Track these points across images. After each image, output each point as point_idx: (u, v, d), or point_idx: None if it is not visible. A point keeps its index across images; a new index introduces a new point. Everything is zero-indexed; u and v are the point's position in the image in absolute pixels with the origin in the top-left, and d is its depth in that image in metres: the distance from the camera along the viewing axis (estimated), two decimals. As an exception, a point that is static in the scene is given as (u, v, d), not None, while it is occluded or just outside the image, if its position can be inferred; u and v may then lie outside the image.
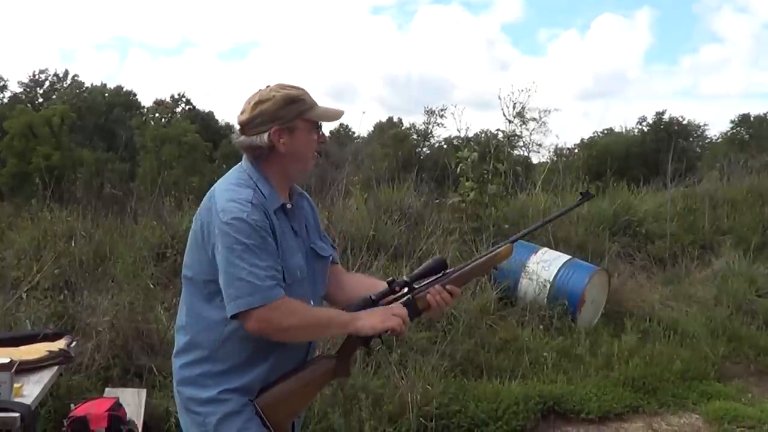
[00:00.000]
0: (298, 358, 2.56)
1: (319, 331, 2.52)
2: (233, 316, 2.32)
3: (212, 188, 2.52)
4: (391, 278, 2.64)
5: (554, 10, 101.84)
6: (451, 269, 2.66)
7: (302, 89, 2.51)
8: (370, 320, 2.48)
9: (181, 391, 2.51)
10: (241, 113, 2.50)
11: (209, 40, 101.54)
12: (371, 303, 2.56)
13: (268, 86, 2.51)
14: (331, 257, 2.72)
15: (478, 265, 2.74)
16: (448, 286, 2.62)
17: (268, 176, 2.49)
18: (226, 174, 2.57)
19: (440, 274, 2.64)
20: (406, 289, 2.62)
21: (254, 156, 2.50)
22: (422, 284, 2.64)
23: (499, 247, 2.76)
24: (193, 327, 2.48)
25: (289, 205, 2.54)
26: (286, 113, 2.44)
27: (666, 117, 49.95)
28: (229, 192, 2.43)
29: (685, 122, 50.14)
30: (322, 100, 2.51)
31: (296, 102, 2.46)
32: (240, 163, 2.56)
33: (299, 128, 2.47)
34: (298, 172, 2.59)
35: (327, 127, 2.64)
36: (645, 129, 49.57)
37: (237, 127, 2.53)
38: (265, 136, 2.43)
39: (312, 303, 2.53)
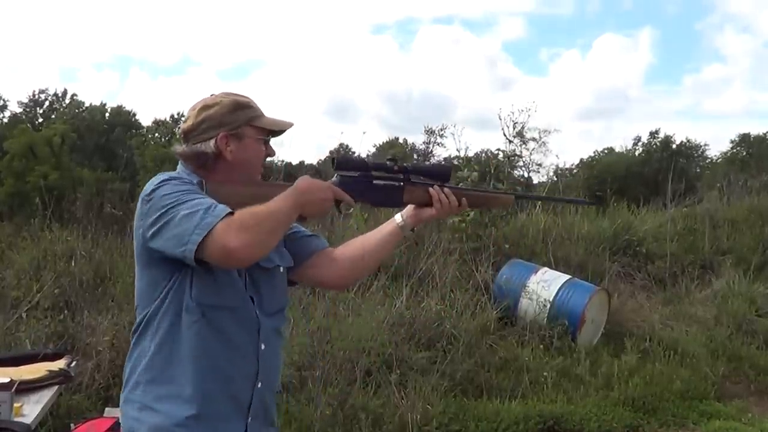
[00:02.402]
0: (244, 365, 2.26)
1: (278, 226, 2.13)
2: (197, 260, 2.03)
3: None
4: (392, 157, 2.48)
5: (556, 30, 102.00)
6: (450, 184, 2.50)
7: (249, 97, 2.36)
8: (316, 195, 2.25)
9: (123, 408, 2.28)
10: (185, 121, 2.32)
11: (210, 59, 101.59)
12: (365, 166, 2.42)
13: (212, 94, 2.34)
14: (279, 267, 2.40)
15: (478, 195, 2.61)
16: (448, 190, 2.46)
17: None
18: None
19: (440, 183, 2.47)
20: (401, 176, 2.45)
21: (197, 165, 2.29)
22: (419, 180, 2.48)
23: (502, 192, 2.67)
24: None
25: None
26: (234, 119, 2.27)
27: (661, 135, 49.90)
28: None
29: (686, 142, 50.10)
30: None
31: (244, 108, 2.30)
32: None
33: (248, 135, 2.29)
34: None
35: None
36: (650, 149, 49.50)
37: (180, 137, 2.34)
38: (212, 142, 2.25)
39: (257, 315, 2.28)
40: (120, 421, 2.30)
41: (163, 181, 2.16)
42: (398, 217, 2.51)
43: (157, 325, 2.22)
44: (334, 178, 2.41)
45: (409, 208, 2.50)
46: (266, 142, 2.37)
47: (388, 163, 2.45)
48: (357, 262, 2.52)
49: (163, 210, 2.07)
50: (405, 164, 2.46)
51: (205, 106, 2.29)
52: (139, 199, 2.18)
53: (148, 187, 2.16)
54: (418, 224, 2.53)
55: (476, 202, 2.63)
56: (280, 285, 2.43)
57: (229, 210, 2.04)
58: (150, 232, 2.11)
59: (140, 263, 2.27)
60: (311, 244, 2.52)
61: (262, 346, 2.29)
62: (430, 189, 2.45)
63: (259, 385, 2.29)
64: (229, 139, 2.26)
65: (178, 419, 2.15)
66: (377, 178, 2.45)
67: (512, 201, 2.71)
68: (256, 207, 2.07)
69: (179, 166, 2.35)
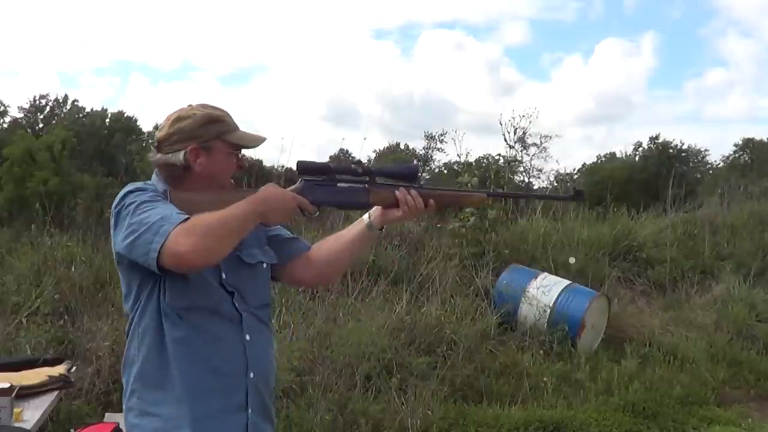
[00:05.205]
0: (231, 357, 2.31)
1: (230, 233, 2.16)
2: (160, 267, 2.09)
3: None
4: (358, 160, 2.55)
5: (558, 35, 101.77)
6: (421, 185, 2.53)
7: (224, 111, 2.41)
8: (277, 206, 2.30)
9: (125, 415, 2.33)
10: (160, 130, 2.39)
11: (211, 65, 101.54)
12: (328, 169, 2.47)
13: (189, 105, 2.40)
14: (263, 263, 2.47)
15: (448, 194, 2.64)
16: (414, 192, 2.47)
17: None
18: None
19: (406, 185, 2.50)
20: (366, 178, 2.48)
21: (168, 175, 2.35)
22: (386, 183, 2.52)
23: (474, 191, 2.70)
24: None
25: None
26: (205, 132, 2.33)
27: (660, 140, 49.92)
28: None
29: (685, 147, 50.15)
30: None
31: (216, 122, 2.36)
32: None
33: (217, 149, 2.35)
34: None
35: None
36: (645, 154, 49.53)
37: (154, 145, 2.40)
38: (181, 154, 2.31)
39: (236, 308, 2.33)
40: (122, 428, 2.34)
41: (127, 192, 2.25)
42: (366, 217, 2.56)
43: (142, 332, 2.29)
44: (298, 183, 2.46)
45: (377, 208, 2.53)
46: (238, 156, 2.42)
47: (352, 165, 2.50)
48: (331, 262, 2.61)
49: (127, 220, 2.17)
50: (370, 167, 2.51)
51: (179, 118, 2.36)
52: (112, 213, 2.26)
53: (116, 199, 2.25)
54: (385, 225, 2.56)
55: (446, 202, 2.65)
56: (263, 280, 2.50)
57: (185, 217, 2.12)
58: (118, 242, 2.20)
59: (119, 272, 2.34)
60: (292, 246, 2.61)
61: (247, 337, 2.34)
62: (396, 191, 2.47)
63: (252, 376, 2.34)
64: (199, 151, 2.33)
65: (177, 421, 2.22)
66: (341, 181, 2.49)
67: (485, 198, 2.74)
68: (210, 214, 2.14)
69: (153, 175, 2.41)
